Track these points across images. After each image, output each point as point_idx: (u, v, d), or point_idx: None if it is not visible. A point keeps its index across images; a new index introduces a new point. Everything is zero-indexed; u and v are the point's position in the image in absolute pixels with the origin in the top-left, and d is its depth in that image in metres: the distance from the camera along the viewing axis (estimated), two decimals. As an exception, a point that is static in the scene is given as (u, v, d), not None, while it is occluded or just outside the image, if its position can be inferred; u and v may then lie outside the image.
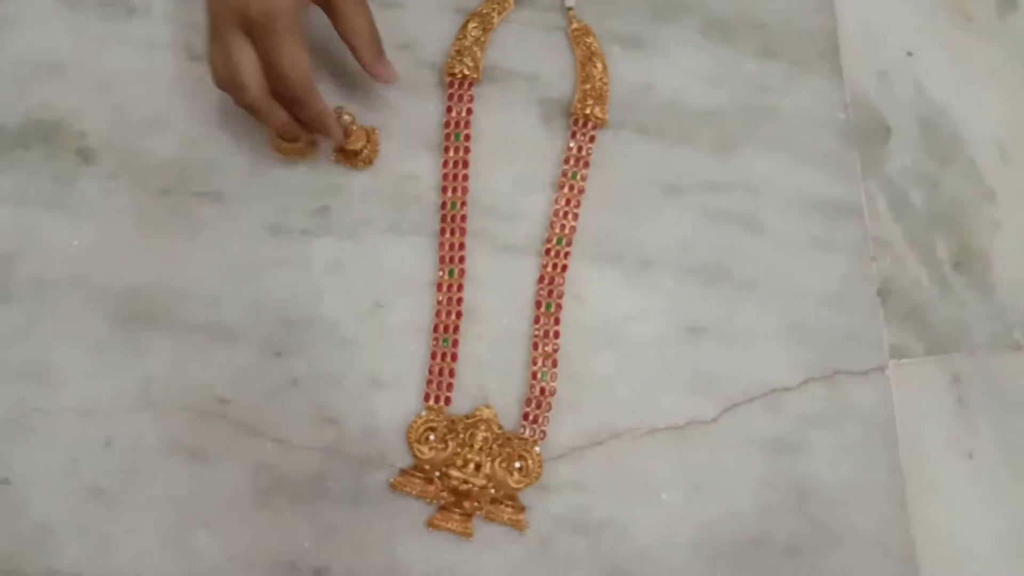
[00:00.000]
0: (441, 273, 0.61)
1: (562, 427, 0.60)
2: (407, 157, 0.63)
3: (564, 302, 0.61)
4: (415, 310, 0.61)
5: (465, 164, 0.64)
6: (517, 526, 0.57)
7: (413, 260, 0.62)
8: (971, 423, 0.66)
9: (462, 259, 0.61)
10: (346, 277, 0.61)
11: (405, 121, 0.64)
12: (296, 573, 0.58)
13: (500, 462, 0.58)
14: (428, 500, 0.58)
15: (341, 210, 0.62)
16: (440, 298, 0.61)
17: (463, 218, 0.62)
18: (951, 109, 0.71)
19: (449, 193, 0.63)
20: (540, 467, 0.58)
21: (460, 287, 0.61)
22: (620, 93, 0.66)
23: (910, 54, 0.72)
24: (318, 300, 0.60)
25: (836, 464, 0.63)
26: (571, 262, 0.62)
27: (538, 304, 0.62)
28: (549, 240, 0.63)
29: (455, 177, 0.63)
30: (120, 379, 0.58)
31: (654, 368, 0.62)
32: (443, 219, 0.62)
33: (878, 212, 0.68)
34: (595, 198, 0.64)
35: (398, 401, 0.60)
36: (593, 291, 0.63)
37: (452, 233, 0.62)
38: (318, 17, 0.58)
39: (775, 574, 0.61)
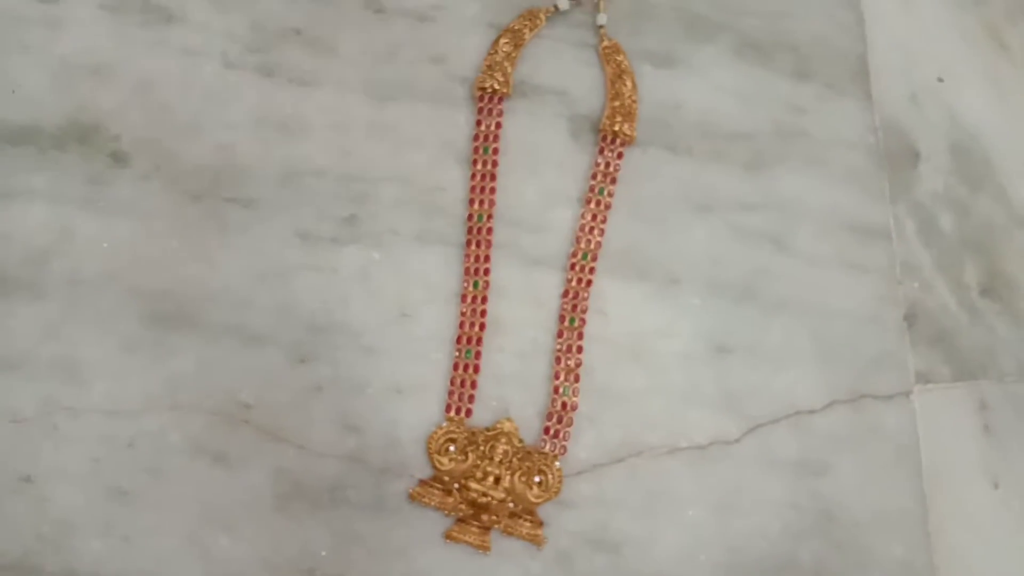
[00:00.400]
0: (466, 284, 0.60)
1: (583, 443, 0.59)
2: (436, 168, 0.63)
3: (588, 317, 0.60)
4: (440, 320, 0.60)
5: (493, 177, 0.63)
6: (535, 541, 0.56)
7: (439, 270, 0.61)
8: (997, 451, 0.63)
9: (487, 271, 0.60)
10: (373, 285, 0.60)
11: (435, 133, 0.63)
12: None
13: (520, 476, 0.57)
14: (446, 512, 0.56)
15: (370, 219, 0.61)
16: (464, 309, 0.60)
17: (489, 230, 0.61)
18: (983, 134, 0.69)
19: (476, 205, 0.62)
20: (560, 482, 0.57)
21: (484, 299, 0.60)
22: (650, 111, 0.65)
23: (940, 80, 0.69)
24: (344, 307, 0.59)
25: (861, 488, 0.60)
26: (596, 277, 0.61)
27: (562, 318, 0.60)
28: (574, 255, 0.62)
29: (483, 190, 0.62)
30: (147, 380, 0.57)
31: (678, 386, 0.60)
32: (469, 231, 0.61)
33: (907, 236, 0.66)
34: (622, 214, 0.63)
35: (420, 411, 0.58)
36: (618, 306, 0.61)
37: (478, 245, 0.61)
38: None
39: (800, 598, 0.59)
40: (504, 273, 0.62)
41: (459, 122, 0.64)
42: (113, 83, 0.62)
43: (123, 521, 0.55)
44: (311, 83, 0.63)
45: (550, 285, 0.63)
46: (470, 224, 0.62)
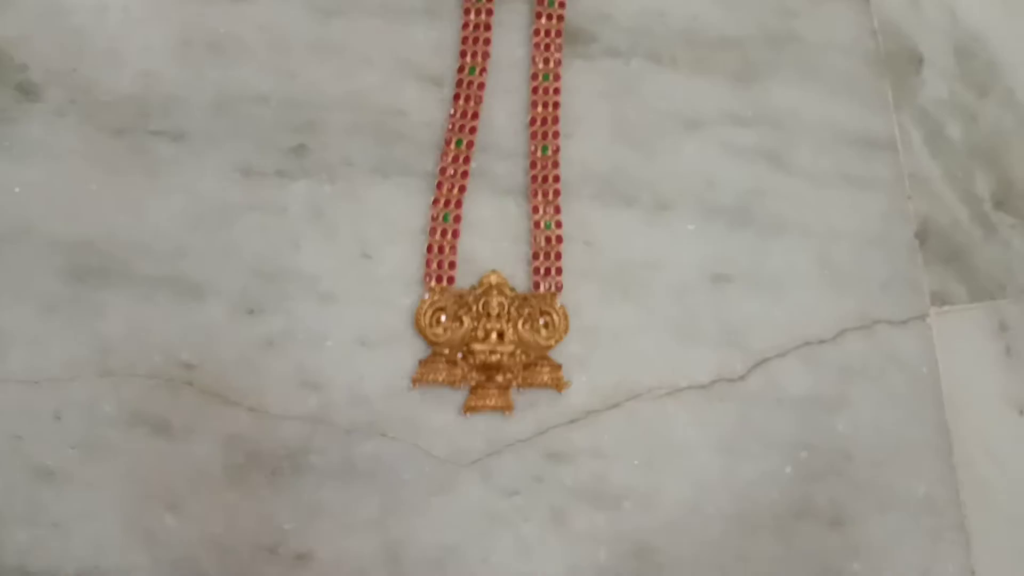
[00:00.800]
0: (449, 139, 0.56)
1: (574, 388, 0.55)
2: (392, 90, 0.58)
3: (570, 248, 0.56)
4: (405, 260, 0.55)
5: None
6: (557, 385, 0.53)
7: (402, 204, 0.56)
8: (1021, 375, 0.59)
9: (473, 129, 0.56)
10: (327, 224, 0.55)
11: (389, 50, 0.58)
12: (276, 559, 0.51)
13: (523, 324, 0.54)
14: (456, 384, 0.53)
15: (320, 149, 0.56)
16: (444, 167, 0.56)
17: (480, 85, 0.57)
18: (987, 36, 0.65)
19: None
20: (566, 319, 0.54)
21: (467, 159, 0.56)
22: (631, 19, 0.60)
23: None
24: (295, 251, 0.54)
25: (878, 422, 0.57)
26: (578, 204, 0.57)
27: (532, 150, 0.57)
28: (535, 77, 0.58)
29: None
30: (72, 344, 0.52)
31: (675, 321, 0.56)
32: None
33: (913, 147, 0.62)
34: (604, 134, 0.58)
35: (388, 362, 0.54)
36: (604, 236, 0.57)
37: (466, 100, 0.57)
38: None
39: (819, 546, 0.55)
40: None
41: (415, 37, 0.59)
42: (16, 6, 0.56)
43: (51, 505, 0.50)
44: None
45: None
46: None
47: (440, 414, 0.53)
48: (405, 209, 0.56)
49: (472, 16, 0.58)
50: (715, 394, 0.55)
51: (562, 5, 0.59)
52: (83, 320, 0.52)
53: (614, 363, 0.55)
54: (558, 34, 0.58)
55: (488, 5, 0.59)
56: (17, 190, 0.53)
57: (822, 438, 0.56)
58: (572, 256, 0.56)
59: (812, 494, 0.55)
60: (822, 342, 0.57)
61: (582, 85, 0.59)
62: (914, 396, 0.57)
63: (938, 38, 0.64)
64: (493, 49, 0.58)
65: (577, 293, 0.55)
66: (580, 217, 0.56)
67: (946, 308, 0.60)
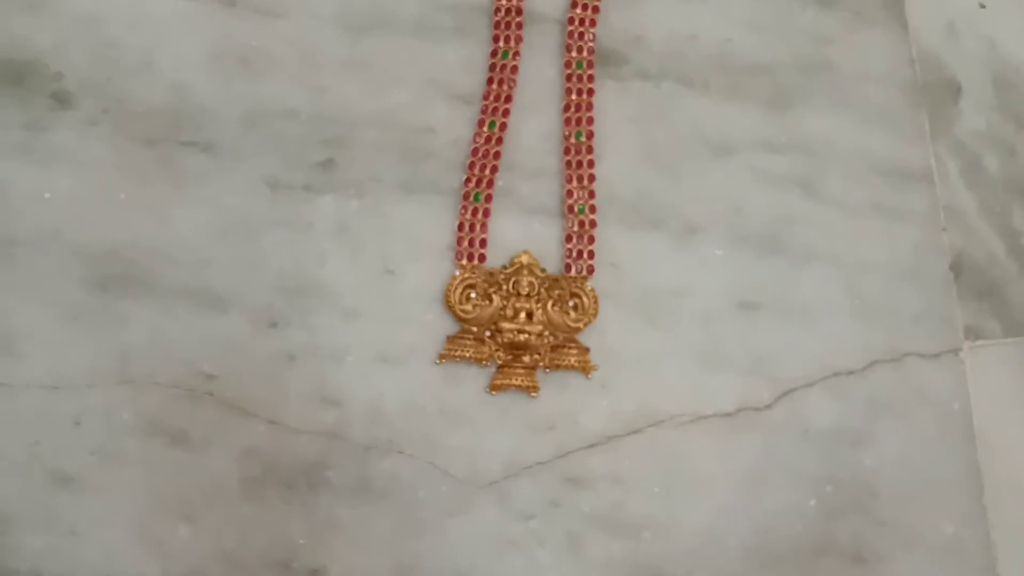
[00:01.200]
0: (483, 118, 0.56)
1: (595, 412, 0.53)
2: (422, 108, 0.57)
3: (598, 270, 0.54)
4: (428, 277, 0.54)
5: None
6: (584, 368, 0.53)
7: (427, 222, 0.55)
8: None
9: (506, 112, 0.56)
10: (352, 240, 0.54)
11: (419, 68, 0.57)
12: (289, 574, 0.50)
13: (552, 305, 0.53)
14: (482, 362, 0.52)
15: (347, 164, 0.55)
16: (477, 147, 0.56)
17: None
18: None
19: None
20: (596, 303, 0.53)
21: (500, 140, 0.56)
22: (662, 42, 0.59)
23: (983, 6, 0.64)
24: (320, 265, 0.54)
25: (906, 458, 0.54)
26: (605, 227, 0.55)
27: (566, 136, 0.56)
28: (568, 64, 0.58)
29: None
30: (94, 351, 0.51)
31: (700, 347, 0.54)
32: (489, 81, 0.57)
33: (949, 178, 0.60)
34: (633, 156, 0.57)
35: (409, 379, 0.52)
36: (631, 259, 0.55)
37: (500, 84, 0.57)
38: None
39: (840, 583, 0.52)
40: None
41: (446, 56, 0.58)
42: (53, 15, 0.56)
43: (68, 512, 0.50)
44: (277, 13, 0.57)
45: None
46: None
47: (459, 433, 0.52)
48: (430, 226, 0.55)
49: (501, 34, 0.58)
50: (739, 423, 0.53)
51: (593, 24, 0.59)
52: (105, 328, 0.51)
53: (637, 388, 0.53)
54: (590, 64, 0.58)
55: (518, 19, 0.58)
56: (47, 196, 0.53)
57: (848, 472, 0.53)
58: (597, 279, 0.54)
59: (835, 530, 0.53)
60: (851, 373, 0.55)
61: (612, 107, 0.58)
62: (944, 432, 0.55)
63: (976, 68, 0.63)
64: (522, 68, 0.58)
65: (602, 316, 0.54)
66: (606, 240, 0.55)
67: (980, 343, 0.57)
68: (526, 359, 0.53)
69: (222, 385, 0.51)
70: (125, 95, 0.55)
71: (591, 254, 0.54)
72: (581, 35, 0.59)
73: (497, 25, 0.58)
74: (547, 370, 0.53)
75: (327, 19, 0.57)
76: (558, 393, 0.53)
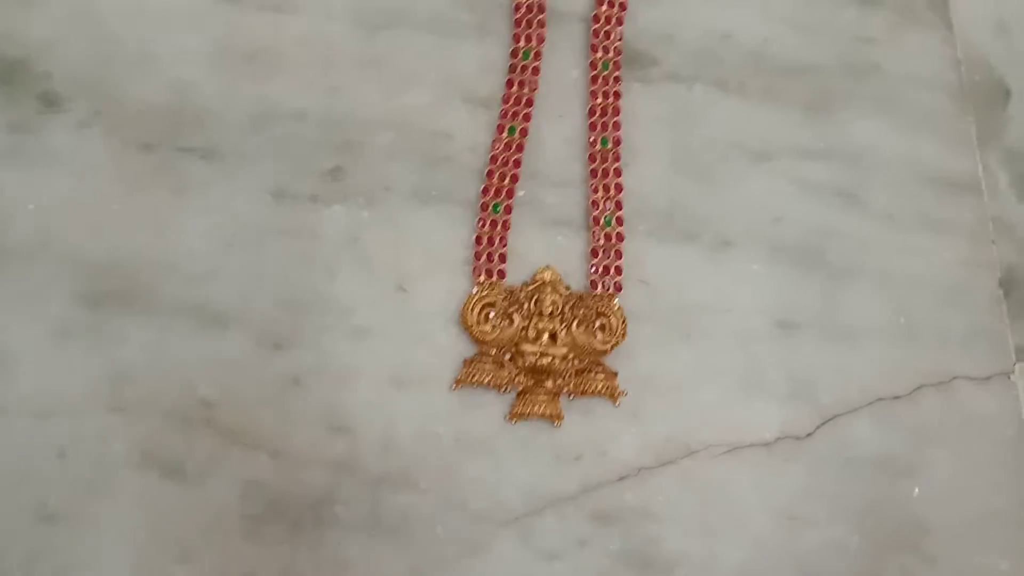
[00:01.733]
0: (502, 123, 0.52)
1: (624, 441, 0.49)
2: (439, 111, 0.53)
3: (625, 288, 0.50)
4: (445, 294, 0.50)
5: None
6: (612, 394, 0.49)
7: (442, 234, 0.51)
8: None
9: (527, 116, 0.52)
10: (362, 254, 0.50)
11: (437, 68, 0.53)
12: None
13: (578, 325, 0.49)
14: (502, 388, 0.48)
15: (359, 172, 0.51)
16: (496, 154, 0.52)
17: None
18: None
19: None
20: (624, 323, 0.49)
21: (520, 146, 0.52)
22: (695, 42, 0.56)
23: None
24: (328, 281, 0.49)
25: (957, 489, 0.50)
26: (634, 240, 0.51)
27: (592, 142, 0.52)
28: (594, 65, 0.54)
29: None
30: (83, 374, 0.47)
31: (737, 370, 0.50)
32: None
33: (998, 188, 0.56)
34: (664, 164, 0.53)
35: (423, 406, 0.48)
36: (662, 275, 0.51)
37: (520, 86, 0.53)
38: None
39: (890, 628, 0.49)
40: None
41: (464, 55, 0.54)
42: (41, 8, 0.52)
43: (53, 550, 0.45)
44: (286, 9, 0.54)
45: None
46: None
47: (477, 465, 0.48)
48: (445, 239, 0.51)
49: (522, 34, 0.54)
50: (779, 453, 0.49)
51: (620, 22, 0.55)
52: (97, 348, 0.47)
53: (669, 415, 0.49)
54: (617, 65, 0.54)
55: (540, 17, 0.55)
56: (32, 207, 0.49)
57: (894, 505, 0.49)
58: (626, 296, 0.50)
59: (882, 567, 0.49)
60: (896, 398, 0.51)
61: (640, 111, 0.54)
62: (997, 461, 0.51)
63: (1028, 71, 0.62)
64: (544, 69, 0.54)
65: (630, 337, 0.50)
66: (635, 254, 0.51)
67: (1033, 365, 0.55)
68: (549, 384, 0.48)
69: (221, 412, 0.47)
70: (120, 95, 0.51)
71: (619, 270, 0.50)
72: (607, 34, 0.55)
73: (518, 23, 0.55)
74: (572, 396, 0.49)
75: (339, 15, 0.54)
76: (584, 421, 0.49)
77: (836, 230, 0.53)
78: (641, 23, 0.55)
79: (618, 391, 0.49)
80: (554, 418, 0.48)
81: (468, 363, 0.48)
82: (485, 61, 0.54)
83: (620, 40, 0.54)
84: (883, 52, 0.57)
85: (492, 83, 0.53)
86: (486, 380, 0.48)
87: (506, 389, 0.48)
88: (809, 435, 0.50)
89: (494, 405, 0.48)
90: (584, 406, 0.49)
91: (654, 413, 0.49)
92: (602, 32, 0.54)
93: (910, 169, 0.55)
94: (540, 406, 0.48)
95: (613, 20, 0.55)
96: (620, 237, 0.51)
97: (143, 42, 0.52)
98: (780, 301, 0.52)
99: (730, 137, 0.54)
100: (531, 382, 0.48)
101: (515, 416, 0.48)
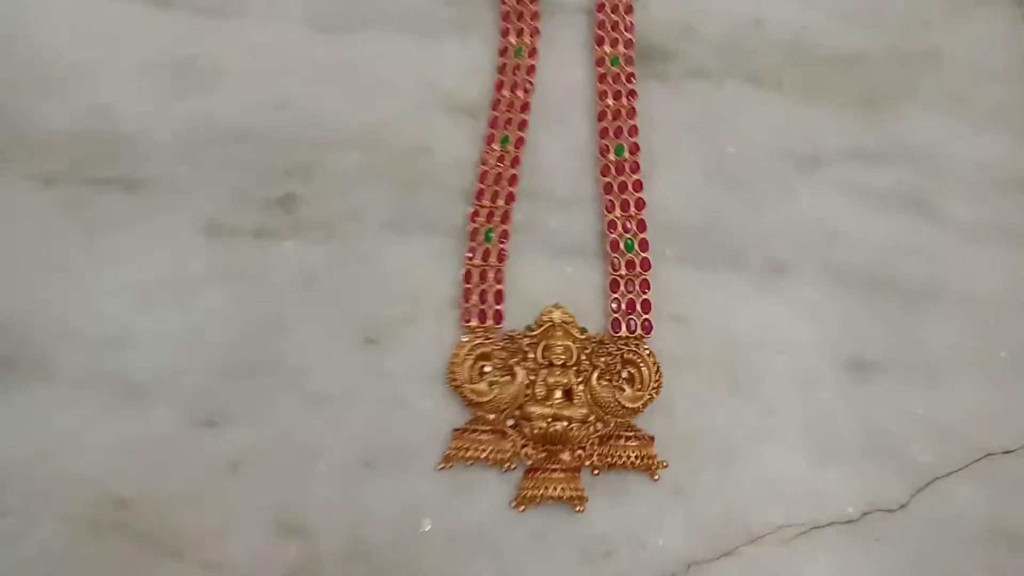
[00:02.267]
0: (492, 133, 0.44)
1: (669, 527, 0.39)
2: (415, 123, 0.45)
3: (656, 326, 0.41)
4: (428, 344, 0.41)
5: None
6: (648, 466, 0.39)
7: (422, 271, 0.42)
8: None
9: (522, 124, 0.44)
10: (321, 299, 0.41)
11: (412, 73, 0.46)
12: None
13: (599, 378, 0.40)
14: (505, 464, 0.39)
15: (315, 199, 0.43)
16: (486, 169, 0.43)
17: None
18: None
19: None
20: (658, 372, 0.40)
21: (516, 160, 0.43)
22: (720, 32, 0.48)
23: None
24: (276, 336, 0.40)
25: None
26: (664, 267, 0.43)
27: (603, 145, 0.44)
28: (600, 41, 0.46)
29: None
30: None
31: (804, 426, 0.41)
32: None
33: None
34: (694, 175, 0.45)
35: (402, 494, 0.38)
36: (702, 309, 0.43)
37: (512, 89, 0.45)
38: None
39: None
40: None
41: (445, 56, 0.47)
42: None
43: None
44: (226, 12, 0.46)
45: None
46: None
47: (476, 567, 0.37)
48: (426, 276, 0.42)
49: (512, 28, 0.46)
50: (867, 531, 0.39)
51: (629, 11, 0.47)
52: None
53: (723, 490, 0.40)
54: (628, 61, 0.46)
55: (533, 8, 0.47)
56: None
57: None
58: (657, 338, 0.41)
59: None
60: (1006, 452, 0.42)
61: (661, 114, 0.46)
62: None
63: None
64: (541, 68, 0.47)
65: (667, 390, 0.40)
66: (665, 285, 0.42)
67: None
68: (566, 457, 0.39)
69: (139, 513, 0.37)
70: (23, 120, 0.43)
71: (647, 305, 0.42)
72: (615, 25, 0.47)
73: (507, 16, 0.48)
74: (597, 472, 0.39)
75: (290, 17, 0.47)
76: (614, 504, 0.39)
77: (906, 246, 0.45)
78: (655, 11, 0.49)
79: (656, 461, 0.39)
80: (575, 501, 0.38)
81: (459, 434, 0.39)
82: (468, 62, 0.46)
83: (631, 32, 0.47)
84: (943, 37, 0.49)
85: (478, 87, 0.46)
86: (483, 455, 0.39)
87: (510, 466, 0.39)
88: (903, 506, 0.40)
89: (496, 488, 0.39)
90: (613, 484, 0.39)
91: (704, 488, 0.39)
92: (609, 23, 0.47)
93: (984, 172, 0.46)
94: (556, 487, 0.38)
95: (621, 9, 0.47)
96: (646, 265, 0.42)
97: (54, 57, 0.44)
98: (847, 336, 0.43)
99: (770, 141, 0.46)
100: (542, 455, 0.39)
101: (523, 501, 0.38)
